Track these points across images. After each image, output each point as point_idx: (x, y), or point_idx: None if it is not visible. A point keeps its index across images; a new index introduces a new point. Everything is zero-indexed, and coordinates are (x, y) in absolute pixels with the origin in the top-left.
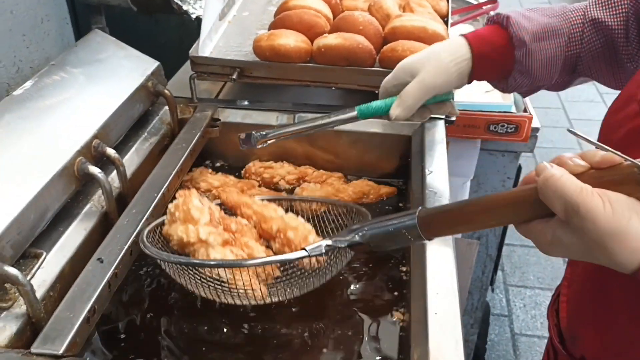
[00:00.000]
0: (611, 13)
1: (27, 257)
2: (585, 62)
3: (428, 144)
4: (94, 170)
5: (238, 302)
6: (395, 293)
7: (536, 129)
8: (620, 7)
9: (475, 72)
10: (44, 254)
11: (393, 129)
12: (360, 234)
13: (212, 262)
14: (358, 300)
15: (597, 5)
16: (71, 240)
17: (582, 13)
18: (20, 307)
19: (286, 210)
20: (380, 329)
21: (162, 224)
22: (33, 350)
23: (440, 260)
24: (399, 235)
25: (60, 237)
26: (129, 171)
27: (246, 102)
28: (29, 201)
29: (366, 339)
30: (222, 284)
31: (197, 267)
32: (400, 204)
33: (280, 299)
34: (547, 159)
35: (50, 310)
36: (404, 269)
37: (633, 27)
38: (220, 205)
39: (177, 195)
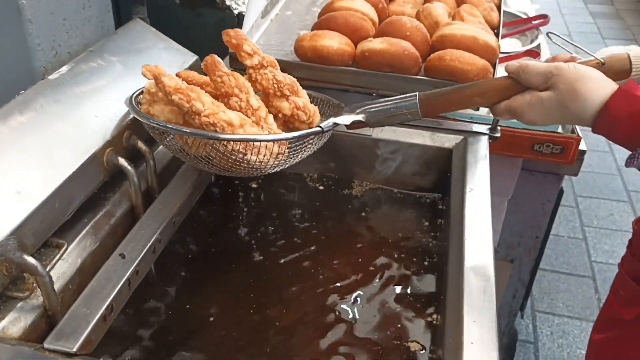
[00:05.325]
0: None
1: (48, 246)
2: None
3: (470, 160)
4: (123, 162)
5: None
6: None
7: (583, 152)
8: None
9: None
10: (66, 244)
11: (434, 141)
12: (363, 113)
13: (228, 137)
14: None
15: None
16: (94, 232)
17: None
18: (37, 298)
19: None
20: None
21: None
22: (45, 345)
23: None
24: (399, 115)
25: (84, 229)
26: (159, 166)
27: None
28: (54, 189)
29: None
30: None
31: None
32: (440, 220)
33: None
34: (585, 182)
35: (67, 303)
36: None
37: None
38: None
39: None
